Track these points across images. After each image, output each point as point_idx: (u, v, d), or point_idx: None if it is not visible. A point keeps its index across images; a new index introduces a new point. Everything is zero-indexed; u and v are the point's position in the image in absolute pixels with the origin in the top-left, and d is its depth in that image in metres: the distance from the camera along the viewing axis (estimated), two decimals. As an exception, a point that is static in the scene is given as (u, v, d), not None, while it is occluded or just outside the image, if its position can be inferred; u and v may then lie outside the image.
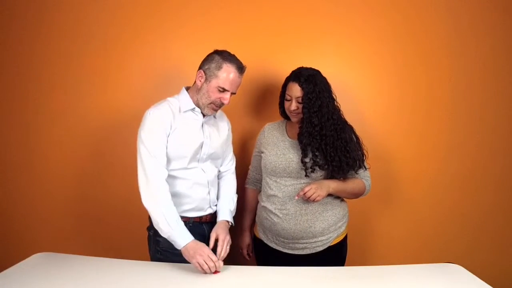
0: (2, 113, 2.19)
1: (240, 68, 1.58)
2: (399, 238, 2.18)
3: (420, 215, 2.16)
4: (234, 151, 1.91)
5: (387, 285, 1.36)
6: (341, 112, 1.69)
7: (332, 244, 1.66)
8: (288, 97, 1.65)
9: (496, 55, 2.12)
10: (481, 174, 2.15)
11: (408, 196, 2.15)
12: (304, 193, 1.55)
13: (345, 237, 1.73)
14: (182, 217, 1.60)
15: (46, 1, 2.13)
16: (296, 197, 1.58)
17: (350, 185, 1.66)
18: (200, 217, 1.66)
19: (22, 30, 2.15)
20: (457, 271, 1.48)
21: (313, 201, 1.56)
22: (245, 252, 1.90)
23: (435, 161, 2.14)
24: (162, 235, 1.48)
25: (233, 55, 1.60)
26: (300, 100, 1.61)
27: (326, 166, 1.59)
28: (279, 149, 1.69)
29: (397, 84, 2.12)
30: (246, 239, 1.90)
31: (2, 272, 1.33)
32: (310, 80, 1.59)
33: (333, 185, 1.61)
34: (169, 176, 1.58)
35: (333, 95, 1.66)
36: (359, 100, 2.11)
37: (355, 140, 1.68)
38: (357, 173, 1.68)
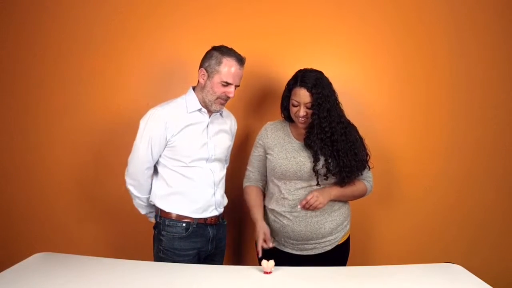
0: (2, 113, 2.19)
1: (240, 60, 1.58)
2: (399, 238, 2.18)
3: (420, 215, 2.16)
4: (234, 152, 1.90)
5: (387, 285, 1.36)
6: (344, 112, 1.67)
7: (340, 242, 1.67)
8: (296, 103, 1.59)
9: (496, 54, 2.12)
10: (481, 174, 2.15)
11: (408, 196, 2.15)
12: (307, 202, 1.55)
13: (349, 235, 1.74)
14: (186, 218, 1.62)
15: (46, 1, 2.13)
16: (299, 207, 1.58)
17: (351, 188, 1.65)
18: (205, 219, 1.65)
19: (22, 30, 2.15)
20: (457, 271, 1.47)
21: (315, 209, 1.56)
22: (261, 241, 1.58)
23: (435, 161, 2.14)
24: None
25: (231, 49, 1.60)
26: (309, 105, 1.57)
27: (339, 173, 1.58)
28: (288, 151, 1.64)
29: (397, 83, 2.13)
30: (263, 225, 1.63)
31: (2, 272, 1.33)
32: (318, 85, 1.56)
33: (334, 191, 1.61)
34: (176, 174, 1.61)
35: (336, 95, 1.64)
36: (360, 99, 2.10)
37: (359, 140, 1.66)
38: (361, 174, 1.67)
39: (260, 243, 1.58)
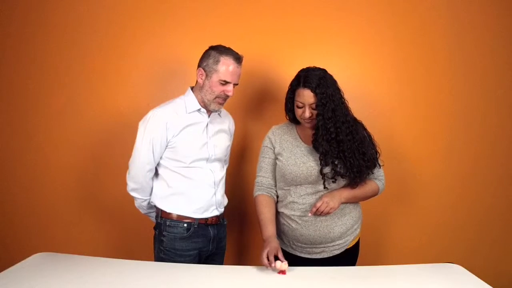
0: (2, 113, 2.19)
1: (237, 59, 1.59)
2: (399, 238, 2.18)
3: (420, 216, 2.16)
4: (233, 152, 1.90)
5: (387, 285, 1.36)
6: (350, 109, 1.62)
7: (349, 246, 1.64)
8: (300, 104, 1.54)
9: (496, 53, 2.12)
10: (481, 173, 2.15)
11: (408, 196, 2.15)
12: (317, 209, 1.52)
13: (359, 239, 1.71)
14: (187, 218, 1.62)
15: (46, 2, 2.13)
16: (310, 214, 1.55)
17: (362, 189, 1.61)
18: (206, 219, 1.65)
19: (22, 31, 2.15)
20: (457, 271, 1.47)
21: (327, 214, 1.54)
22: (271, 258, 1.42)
23: (436, 161, 2.14)
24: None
25: (228, 48, 1.60)
26: (314, 106, 1.52)
27: (347, 174, 1.55)
28: (297, 157, 1.59)
29: (397, 83, 2.13)
30: (276, 244, 1.50)
31: (2, 272, 1.33)
32: (322, 84, 1.51)
33: (344, 194, 1.57)
34: (176, 174, 1.61)
35: (341, 92, 1.60)
36: (360, 98, 2.09)
37: (367, 138, 1.63)
38: (372, 172, 1.64)
39: (270, 263, 1.41)
